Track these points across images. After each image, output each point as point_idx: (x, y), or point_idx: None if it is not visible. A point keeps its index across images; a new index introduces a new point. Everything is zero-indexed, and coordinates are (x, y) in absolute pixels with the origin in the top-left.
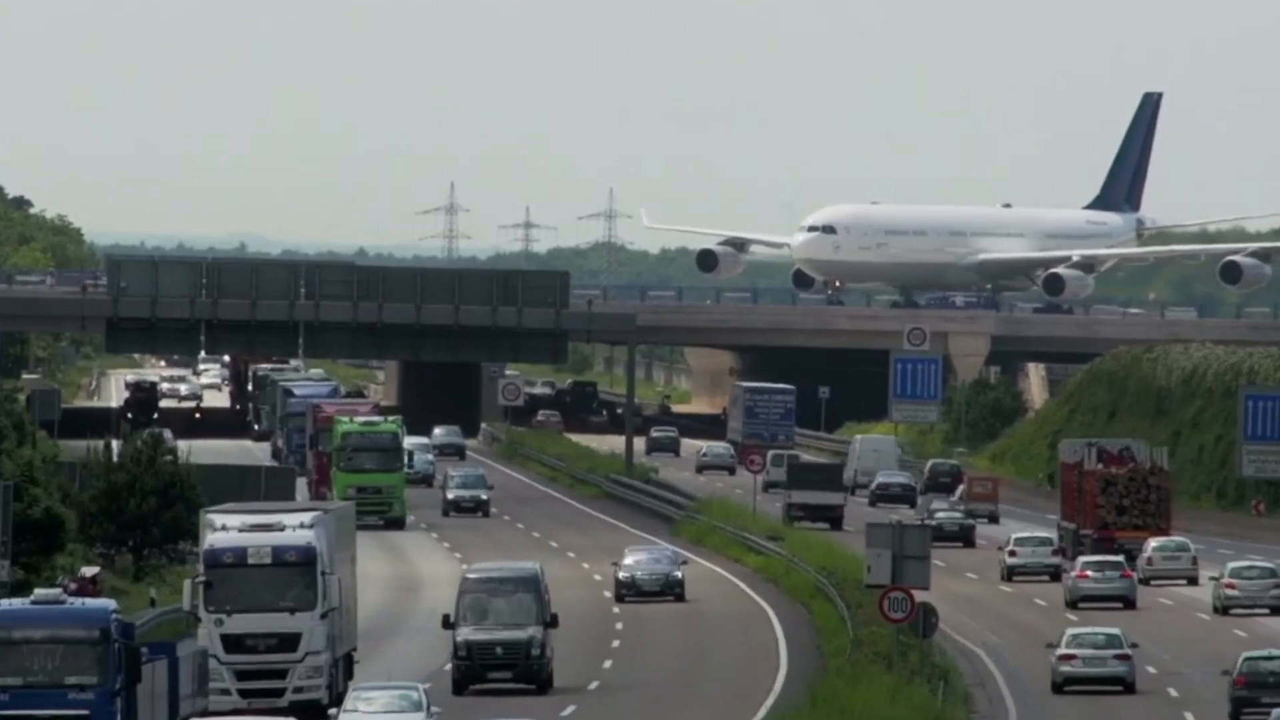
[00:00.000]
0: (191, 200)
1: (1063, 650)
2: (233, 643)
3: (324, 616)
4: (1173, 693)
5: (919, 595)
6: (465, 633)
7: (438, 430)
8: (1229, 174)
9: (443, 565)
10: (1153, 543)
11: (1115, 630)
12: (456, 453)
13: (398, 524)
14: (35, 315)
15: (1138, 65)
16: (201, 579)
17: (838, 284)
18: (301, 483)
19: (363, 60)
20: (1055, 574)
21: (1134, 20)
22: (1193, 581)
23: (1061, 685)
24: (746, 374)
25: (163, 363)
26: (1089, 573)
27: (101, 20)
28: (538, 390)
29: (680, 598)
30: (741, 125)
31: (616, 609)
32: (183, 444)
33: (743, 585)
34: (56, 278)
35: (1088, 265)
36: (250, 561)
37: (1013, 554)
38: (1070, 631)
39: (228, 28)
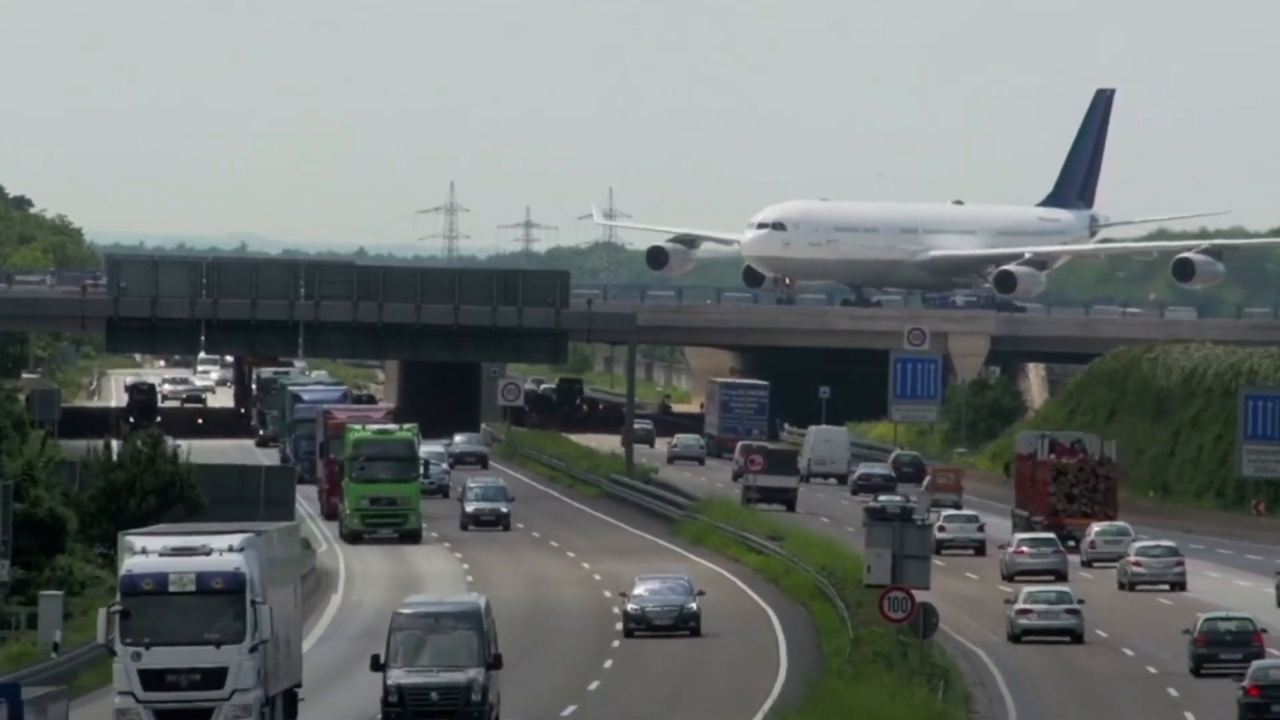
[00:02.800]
0: (191, 200)
1: (1020, 605)
2: (152, 679)
3: (254, 650)
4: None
5: (919, 595)
6: (396, 675)
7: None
8: (1228, 173)
9: (443, 563)
10: (1095, 527)
11: (1066, 588)
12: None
13: (413, 537)
14: (35, 315)
15: (1135, 65)
16: (117, 608)
17: (788, 281)
18: (311, 491)
19: (363, 60)
20: (980, 548)
21: (1130, 22)
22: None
23: (1019, 636)
24: (746, 374)
25: (162, 363)
26: (1025, 549)
27: (101, 20)
28: (525, 388)
29: (696, 632)
30: (741, 125)
31: (617, 609)
32: (183, 444)
33: (743, 585)
34: (57, 278)
35: (1040, 262)
36: (171, 589)
37: (942, 529)
38: (1026, 589)
39: (228, 28)
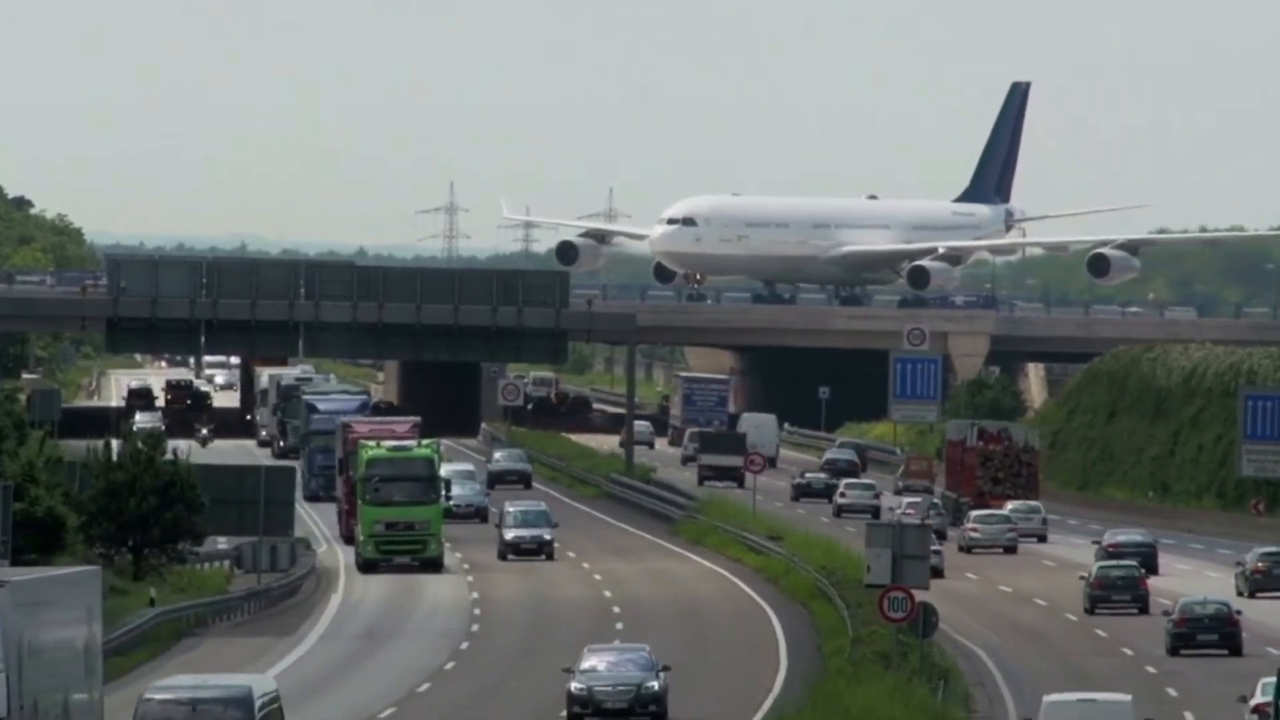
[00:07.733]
0: (191, 200)
1: None
2: None
3: None
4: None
5: (919, 595)
6: None
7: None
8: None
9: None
10: (1009, 504)
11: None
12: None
13: (434, 565)
14: (35, 315)
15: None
16: None
17: (699, 277)
18: (328, 509)
19: (363, 60)
20: (875, 513)
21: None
22: (1042, 539)
23: None
24: (747, 374)
25: (163, 363)
26: (911, 511)
27: (102, 20)
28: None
29: (659, 717)
30: (740, 125)
31: (617, 607)
32: (183, 444)
33: (743, 585)
34: (57, 278)
35: (954, 257)
36: None
37: (843, 495)
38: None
39: (228, 28)
